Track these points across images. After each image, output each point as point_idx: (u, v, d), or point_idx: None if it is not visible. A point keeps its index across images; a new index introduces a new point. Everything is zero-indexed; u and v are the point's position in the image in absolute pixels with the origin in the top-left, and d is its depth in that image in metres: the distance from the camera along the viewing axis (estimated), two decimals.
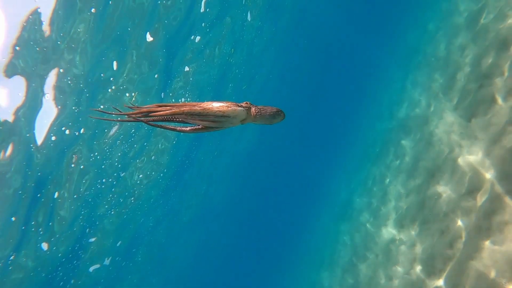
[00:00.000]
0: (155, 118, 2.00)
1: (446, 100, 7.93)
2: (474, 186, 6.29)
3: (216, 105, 2.08)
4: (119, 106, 7.62)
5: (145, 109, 2.01)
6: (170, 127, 2.07)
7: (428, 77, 9.26)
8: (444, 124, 7.78)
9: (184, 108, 2.00)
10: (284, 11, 12.83)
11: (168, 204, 13.33)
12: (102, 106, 7.20)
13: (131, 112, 2.02)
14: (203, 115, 2.02)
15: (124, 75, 7.28)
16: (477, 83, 6.91)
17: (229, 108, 2.09)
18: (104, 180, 8.21)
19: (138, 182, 9.70)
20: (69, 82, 6.49)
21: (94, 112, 6.80)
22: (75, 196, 7.76)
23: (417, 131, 9.01)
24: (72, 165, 7.23)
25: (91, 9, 6.09)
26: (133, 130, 8.28)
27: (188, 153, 12.19)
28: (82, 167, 7.62)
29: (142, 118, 2.00)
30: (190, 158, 12.64)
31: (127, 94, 7.64)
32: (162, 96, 8.54)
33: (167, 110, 1.99)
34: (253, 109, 2.16)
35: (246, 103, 2.17)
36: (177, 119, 2.02)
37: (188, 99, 9.11)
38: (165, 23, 7.42)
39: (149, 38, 7.32)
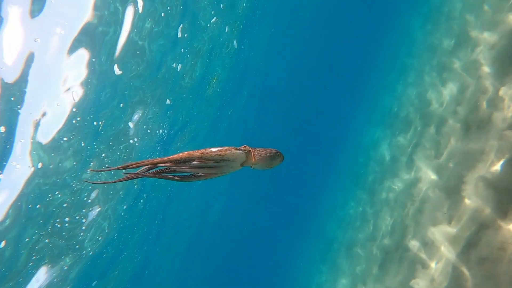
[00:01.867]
0: (154, 172, 1.98)
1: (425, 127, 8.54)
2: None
3: (214, 150, 2.09)
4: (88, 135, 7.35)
5: (143, 163, 1.98)
6: (170, 176, 2.04)
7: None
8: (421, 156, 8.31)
9: (183, 155, 1.99)
10: (262, 38, 13.42)
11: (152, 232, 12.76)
12: (65, 138, 6.87)
13: (129, 166, 1.97)
14: (202, 160, 2.02)
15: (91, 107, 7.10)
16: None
17: (228, 152, 2.11)
18: (76, 217, 7.67)
19: (122, 213, 9.20)
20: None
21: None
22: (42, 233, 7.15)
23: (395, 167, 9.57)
24: (38, 206, 6.71)
25: None
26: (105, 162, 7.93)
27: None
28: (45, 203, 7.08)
29: (142, 173, 1.97)
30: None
31: (95, 123, 7.40)
32: (131, 126, 8.35)
33: (166, 160, 1.98)
34: (252, 151, 2.19)
35: (245, 146, 2.21)
36: (176, 169, 2.01)
37: (165, 131, 9.01)
38: (136, 53, 7.44)
39: (117, 71, 7.26)
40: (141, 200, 10.29)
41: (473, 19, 7.64)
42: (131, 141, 8.31)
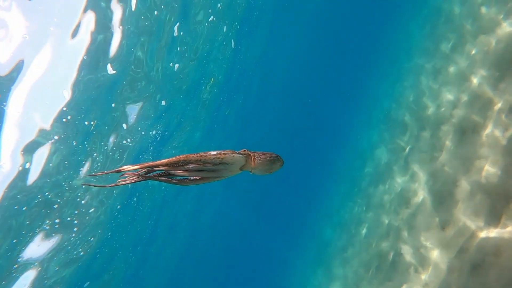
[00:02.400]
0: (152, 175, 1.96)
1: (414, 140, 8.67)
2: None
3: (213, 153, 2.07)
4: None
5: (141, 166, 1.95)
6: (168, 179, 2.01)
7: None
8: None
9: (181, 157, 1.96)
10: (260, 38, 13.43)
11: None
12: (56, 137, 6.75)
13: (124, 170, 1.94)
14: (200, 163, 1.99)
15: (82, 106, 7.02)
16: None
17: (227, 155, 2.09)
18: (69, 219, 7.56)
19: (116, 213, 9.09)
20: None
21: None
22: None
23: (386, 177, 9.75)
24: (24, 209, 6.57)
25: None
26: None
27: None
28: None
29: (140, 176, 1.94)
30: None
31: (86, 122, 7.30)
32: (125, 127, 8.27)
33: (164, 162, 1.95)
34: (252, 155, 2.17)
35: (244, 150, 2.19)
36: (174, 172, 1.98)
37: (159, 132, 8.95)
38: (131, 50, 7.36)
39: (110, 70, 7.17)
40: (134, 199, 10.20)
41: (471, 23, 7.77)
42: (124, 142, 8.22)
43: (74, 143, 7.10)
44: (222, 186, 18.50)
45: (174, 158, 1.97)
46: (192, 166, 2.00)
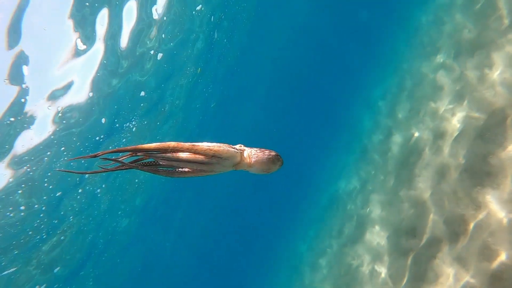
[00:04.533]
0: (136, 163, 1.76)
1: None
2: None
3: (206, 144, 1.89)
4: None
5: (124, 150, 1.74)
6: (153, 169, 1.81)
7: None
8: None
9: (171, 144, 1.77)
10: (244, 30, 13.30)
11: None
12: (13, 118, 6.25)
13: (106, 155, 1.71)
14: (191, 153, 1.81)
15: None
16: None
17: (221, 148, 1.91)
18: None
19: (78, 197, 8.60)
20: None
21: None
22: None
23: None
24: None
25: None
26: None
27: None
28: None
29: (122, 163, 1.73)
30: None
31: (59, 108, 6.86)
32: (103, 121, 7.92)
33: (152, 147, 1.74)
34: (248, 150, 2.00)
35: (240, 145, 2.02)
36: (162, 162, 1.78)
37: (133, 123, 8.61)
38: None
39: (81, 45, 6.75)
40: (103, 186, 9.69)
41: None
42: (97, 138, 7.80)
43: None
44: (196, 188, 18.11)
45: (163, 143, 1.77)
46: (182, 155, 1.81)
